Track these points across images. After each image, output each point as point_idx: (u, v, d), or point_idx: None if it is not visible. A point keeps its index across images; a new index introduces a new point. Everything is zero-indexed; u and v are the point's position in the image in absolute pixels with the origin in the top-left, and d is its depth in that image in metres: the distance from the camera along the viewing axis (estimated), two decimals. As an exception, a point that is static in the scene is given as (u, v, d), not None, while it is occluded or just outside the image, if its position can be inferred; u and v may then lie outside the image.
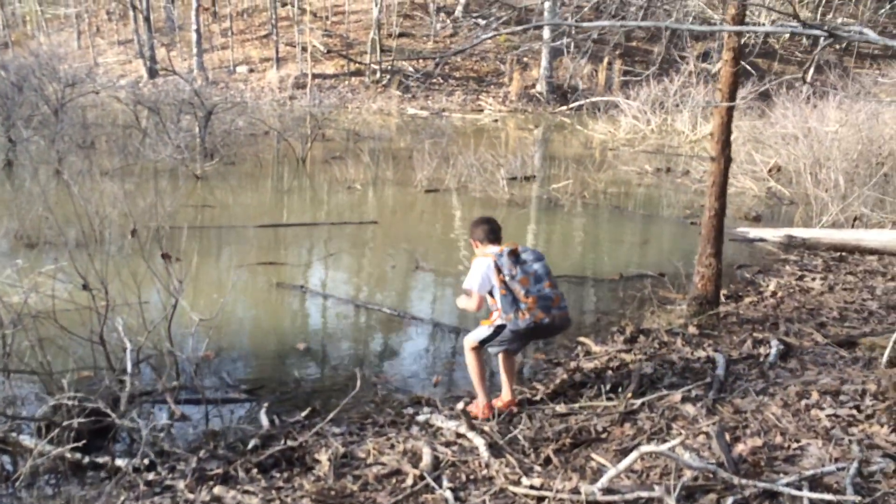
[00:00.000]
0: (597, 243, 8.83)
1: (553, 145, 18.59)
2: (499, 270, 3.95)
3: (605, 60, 26.88)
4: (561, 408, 4.10)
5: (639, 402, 4.02)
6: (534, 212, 10.08)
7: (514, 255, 4.02)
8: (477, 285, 3.95)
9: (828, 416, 3.69)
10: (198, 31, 26.41)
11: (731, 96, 4.99)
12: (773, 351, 4.61)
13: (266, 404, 4.15)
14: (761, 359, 4.58)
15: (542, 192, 11.22)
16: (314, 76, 25.88)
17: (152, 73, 26.15)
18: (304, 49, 26.57)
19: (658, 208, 10.97)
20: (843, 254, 8.00)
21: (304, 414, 4.05)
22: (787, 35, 28.18)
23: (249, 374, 4.74)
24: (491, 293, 4.01)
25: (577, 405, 4.14)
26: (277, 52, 26.86)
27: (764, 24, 19.20)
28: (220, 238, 8.09)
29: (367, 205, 10.10)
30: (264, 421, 3.93)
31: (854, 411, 3.73)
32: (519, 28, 21.66)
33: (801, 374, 4.31)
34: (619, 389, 4.27)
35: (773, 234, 8.70)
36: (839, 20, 26.62)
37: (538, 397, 4.27)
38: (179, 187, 10.07)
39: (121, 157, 11.43)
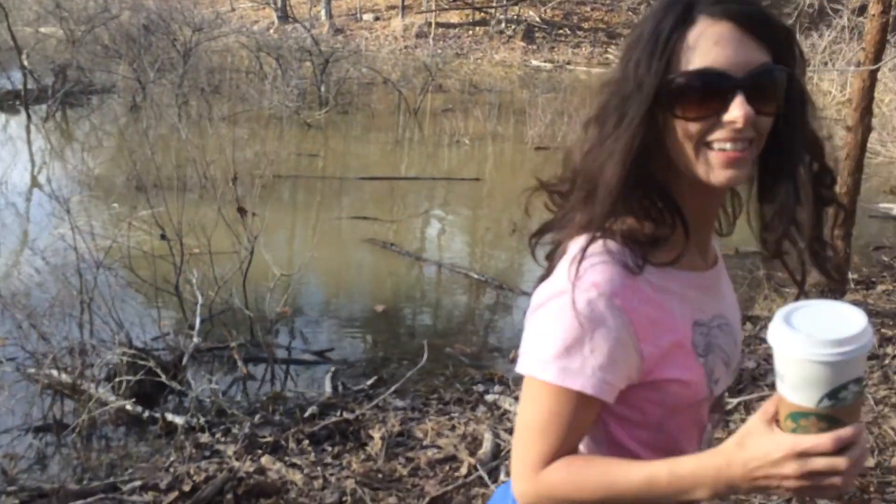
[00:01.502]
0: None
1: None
2: None
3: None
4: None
5: (735, 401, 3.59)
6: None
7: None
8: None
9: (961, 439, 3.15)
10: (329, -24, 26.55)
11: (878, 56, 4.30)
12: (903, 353, 4.02)
13: (333, 369, 4.03)
14: (887, 360, 4.01)
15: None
16: (438, 25, 25.55)
17: (283, 19, 26.64)
18: (430, -3, 26.26)
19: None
20: None
21: (369, 383, 3.89)
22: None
23: (323, 334, 4.64)
24: None
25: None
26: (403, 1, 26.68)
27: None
28: (321, 188, 8.06)
29: (474, 160, 9.81)
30: (328, 387, 3.80)
31: None
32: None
33: (934, 385, 3.72)
34: (714, 384, 3.84)
35: (920, 213, 7.75)
36: None
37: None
38: (283, 136, 10.11)
39: (237, 102, 11.62)
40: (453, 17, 26.74)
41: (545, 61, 23.16)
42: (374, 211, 7.18)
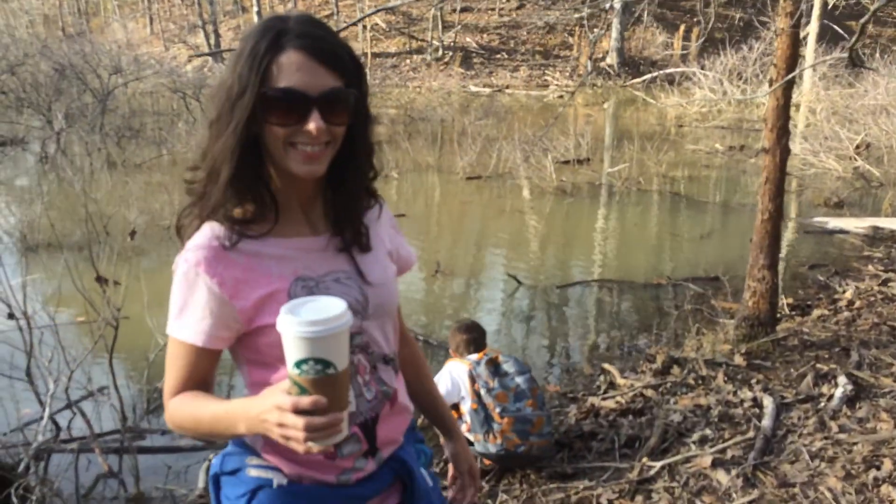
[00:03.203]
0: (648, 238, 7.89)
1: (622, 122, 17.44)
2: (473, 380, 3.23)
3: (681, 28, 25.27)
4: (563, 467, 3.34)
5: (658, 465, 3.20)
6: (583, 201, 9.17)
7: (494, 365, 3.30)
8: (444, 391, 3.22)
9: (904, 498, 2.80)
10: (259, 13, 26.14)
11: (789, 72, 4.03)
12: (839, 393, 3.68)
13: (211, 456, 3.54)
14: (822, 403, 3.67)
15: (596, 178, 10.27)
16: (375, 55, 25.30)
17: (216, 57, 26.12)
18: (364, 27, 25.99)
19: (727, 194, 9.86)
20: (941, 249, 6.84)
21: (251, 470, 3.41)
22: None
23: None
24: (458, 405, 3.29)
25: (583, 464, 3.36)
26: (337, 27, 26.36)
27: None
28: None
29: (401, 195, 9.41)
30: (201, 481, 3.31)
31: (941, 492, 2.82)
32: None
33: (874, 429, 3.39)
34: (638, 443, 3.46)
35: (855, 225, 7.57)
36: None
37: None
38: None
39: (156, 147, 11.08)
40: (391, 45, 26.53)
41: (483, 86, 23.01)
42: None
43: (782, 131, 4.09)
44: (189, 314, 1.19)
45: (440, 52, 25.31)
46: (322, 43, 1.17)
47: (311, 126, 1.15)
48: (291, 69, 1.14)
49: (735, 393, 3.81)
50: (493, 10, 27.16)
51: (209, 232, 1.20)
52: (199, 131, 11.28)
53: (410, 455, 1.43)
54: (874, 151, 10.53)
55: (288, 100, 1.15)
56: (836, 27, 15.86)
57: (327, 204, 1.30)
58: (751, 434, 3.39)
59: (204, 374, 1.24)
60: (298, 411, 1.03)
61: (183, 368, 1.23)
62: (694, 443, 3.39)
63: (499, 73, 24.62)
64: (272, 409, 1.06)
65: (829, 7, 18.82)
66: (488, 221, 8.37)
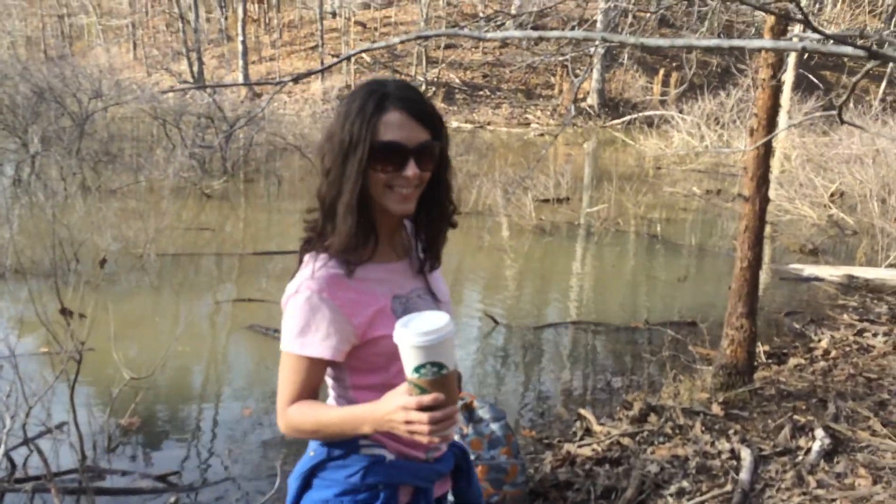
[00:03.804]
0: (625, 280, 7.88)
1: (601, 162, 17.60)
2: None
3: (661, 73, 25.70)
4: (536, 517, 3.25)
5: (634, 516, 3.13)
6: (561, 241, 9.17)
7: (469, 411, 3.23)
8: None
9: (883, 559, 2.75)
10: (244, 42, 26.23)
11: (770, 122, 4.05)
12: (817, 446, 3.64)
13: (173, 499, 3.41)
14: (800, 456, 3.63)
15: (575, 218, 10.29)
16: (358, 88, 25.36)
17: (198, 87, 26.05)
18: (349, 61, 26.10)
19: (704, 238, 9.92)
20: (914, 300, 6.89)
21: (214, 515, 3.29)
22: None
23: (174, 451, 3.99)
24: None
25: (557, 514, 3.27)
26: (322, 63, 26.48)
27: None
28: (207, 267, 7.44)
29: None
30: (161, 525, 3.19)
31: (920, 553, 2.77)
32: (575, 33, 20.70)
33: (852, 485, 3.34)
34: (614, 495, 3.39)
35: (830, 273, 7.62)
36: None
37: (513, 497, 3.41)
38: (176, 208, 9.45)
39: (133, 173, 10.95)
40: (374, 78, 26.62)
41: (465, 122, 23.17)
42: (267, 290, 6.61)
43: (762, 180, 4.10)
44: (313, 333, 1.40)
45: (423, 88, 25.46)
46: (417, 105, 1.44)
47: (409, 172, 1.42)
48: (394, 126, 1.41)
49: (713, 444, 3.75)
50: (476, 48, 27.46)
51: (326, 262, 1.43)
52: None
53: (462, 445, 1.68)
54: (848, 200, 10.68)
55: (392, 150, 1.41)
56: (811, 76, 16.22)
57: (406, 234, 1.60)
58: (728, 487, 3.33)
59: (316, 384, 1.46)
60: (421, 408, 1.27)
61: (301, 381, 1.43)
62: (671, 495, 3.32)
63: (481, 110, 24.82)
64: (397, 409, 1.30)
65: (805, 57, 19.23)
66: (466, 258, 8.33)
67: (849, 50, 1.48)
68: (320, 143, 1.48)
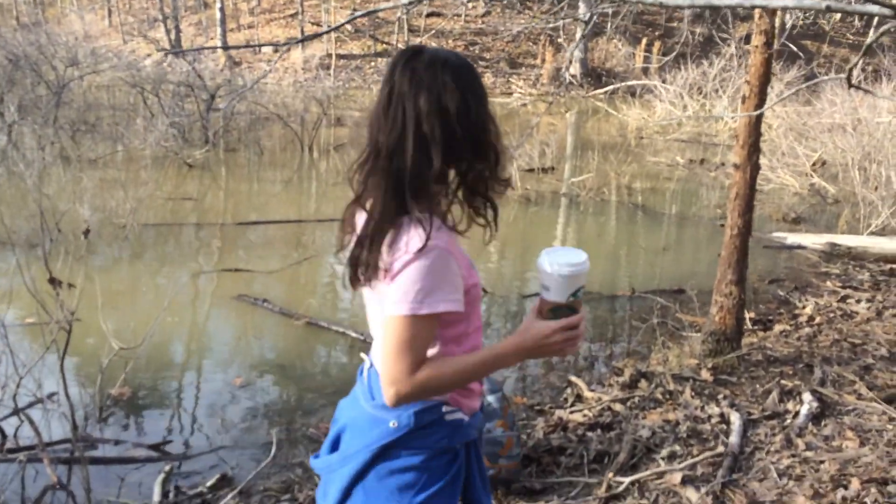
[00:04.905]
0: (610, 248, 7.92)
1: (584, 132, 17.57)
2: None
3: (644, 42, 25.60)
4: (531, 482, 3.28)
5: (627, 480, 3.17)
6: (546, 210, 9.18)
7: None
8: None
9: (871, 518, 2.81)
10: (222, 10, 25.74)
11: (762, 89, 4.05)
12: (804, 410, 3.70)
13: (167, 467, 3.40)
14: (788, 419, 3.69)
15: (560, 187, 10.29)
16: (339, 56, 25.09)
17: (177, 53, 25.58)
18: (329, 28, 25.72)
19: (687, 207, 9.96)
20: (894, 267, 6.98)
21: (210, 483, 3.28)
22: (838, 15, 26.51)
23: (165, 420, 3.98)
24: None
25: (552, 479, 3.31)
26: (303, 31, 26.11)
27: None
28: (192, 237, 7.37)
29: (366, 199, 9.28)
30: (156, 494, 3.18)
31: (907, 512, 2.84)
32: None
33: (839, 447, 3.41)
34: (607, 459, 3.43)
35: (813, 241, 7.69)
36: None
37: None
38: (158, 178, 9.33)
39: (112, 142, 10.77)
40: (355, 48, 26.32)
41: (447, 92, 22.93)
42: (253, 261, 6.57)
43: (753, 148, 4.11)
44: (443, 290, 1.42)
45: (405, 56, 25.17)
46: None
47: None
48: None
49: (702, 408, 3.80)
50: (459, 16, 27.17)
51: (441, 225, 1.47)
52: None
53: None
54: (830, 169, 10.76)
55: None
56: (792, 46, 16.21)
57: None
58: (719, 450, 3.38)
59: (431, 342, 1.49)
60: (578, 323, 1.46)
61: (426, 341, 1.44)
62: (663, 458, 3.36)
63: (463, 79, 24.59)
64: (554, 332, 1.44)
65: (788, 27, 19.24)
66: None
67: (874, 9, 1.47)
68: (437, 111, 1.44)
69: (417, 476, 1.54)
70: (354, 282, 1.53)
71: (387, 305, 1.43)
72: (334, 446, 1.63)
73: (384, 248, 1.43)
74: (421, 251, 1.40)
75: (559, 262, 1.44)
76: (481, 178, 1.53)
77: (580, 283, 1.46)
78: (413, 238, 1.41)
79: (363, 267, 1.47)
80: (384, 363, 1.44)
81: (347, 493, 1.56)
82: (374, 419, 1.54)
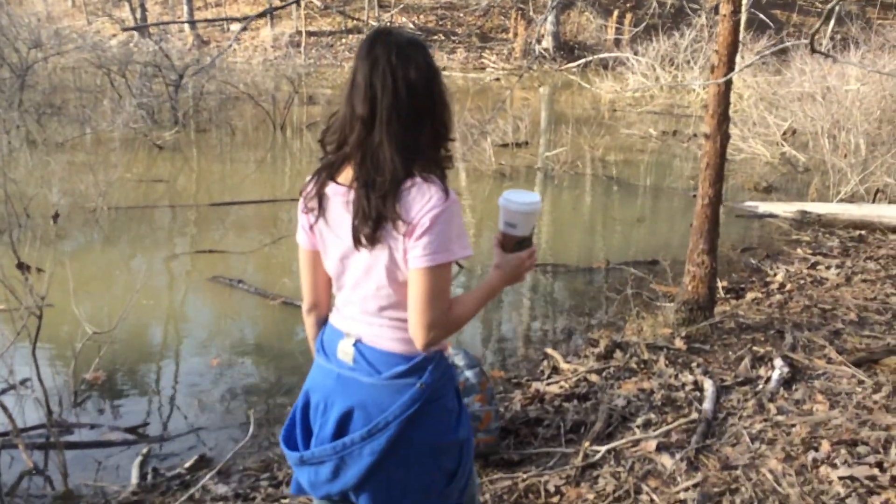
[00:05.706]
0: (585, 221, 7.96)
1: (558, 105, 17.55)
2: None
3: (615, 14, 25.56)
4: (509, 454, 3.31)
5: (603, 449, 3.21)
6: (521, 185, 9.18)
7: None
8: None
9: (841, 478, 2.87)
10: (187, -13, 25.26)
11: (731, 58, 4.07)
12: (776, 375, 3.77)
13: (145, 449, 3.39)
14: (760, 385, 3.75)
15: (535, 162, 10.30)
16: (310, 34, 24.78)
17: (142, 32, 25.09)
18: (298, 5, 25.37)
19: (661, 178, 10.02)
20: (863, 233, 7.10)
21: (188, 464, 3.28)
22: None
23: (142, 403, 3.96)
24: None
25: (529, 450, 3.35)
26: (271, 5, 25.69)
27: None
28: (164, 219, 7.29)
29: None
30: (134, 476, 3.17)
31: (876, 471, 2.90)
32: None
33: (810, 410, 3.47)
34: (584, 429, 3.47)
35: (784, 210, 7.79)
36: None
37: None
38: (127, 160, 9.20)
39: (79, 125, 10.57)
40: (325, 24, 25.99)
41: (420, 67, 22.76)
42: (227, 242, 6.51)
43: (723, 117, 4.14)
44: (465, 236, 1.60)
45: (376, 32, 24.91)
46: None
47: None
48: None
49: (676, 376, 3.86)
50: (429, -10, 26.91)
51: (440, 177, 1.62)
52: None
53: None
54: (800, 137, 10.87)
55: None
56: (761, 15, 16.27)
57: None
58: (693, 417, 3.44)
59: None
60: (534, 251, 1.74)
61: (450, 282, 1.59)
62: (638, 427, 3.41)
63: (436, 55, 24.41)
64: (525, 260, 1.71)
65: (757, -4, 19.27)
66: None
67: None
68: (422, 84, 1.59)
69: (451, 413, 1.71)
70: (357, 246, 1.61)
71: (417, 258, 1.53)
72: (339, 431, 1.65)
73: (399, 207, 1.53)
74: (446, 203, 1.54)
75: (523, 201, 1.65)
76: (444, 141, 1.67)
77: (536, 219, 1.73)
78: (435, 193, 1.54)
79: (372, 226, 1.54)
80: (420, 311, 1.55)
81: (377, 466, 1.61)
82: (395, 388, 1.63)
